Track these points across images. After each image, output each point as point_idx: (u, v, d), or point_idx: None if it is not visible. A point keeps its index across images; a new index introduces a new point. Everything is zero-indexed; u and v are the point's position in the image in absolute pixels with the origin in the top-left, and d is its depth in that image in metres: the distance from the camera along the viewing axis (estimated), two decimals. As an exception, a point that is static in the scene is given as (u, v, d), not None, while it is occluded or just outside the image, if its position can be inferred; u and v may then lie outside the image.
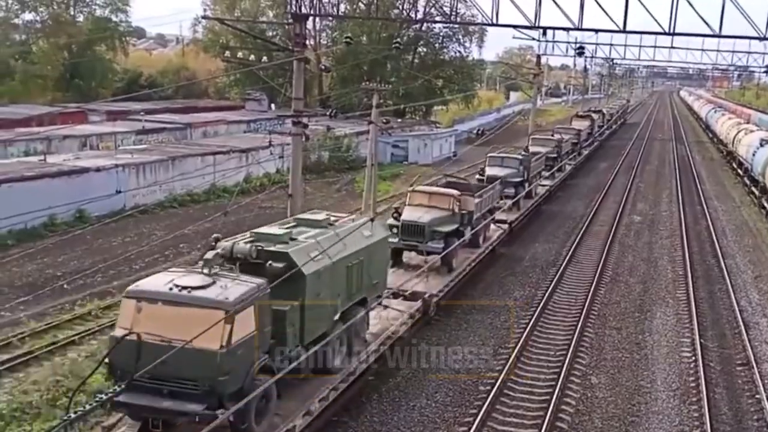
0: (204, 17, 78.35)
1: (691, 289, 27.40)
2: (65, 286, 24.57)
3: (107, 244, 31.02)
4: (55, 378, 18.29)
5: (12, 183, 32.45)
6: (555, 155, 47.62)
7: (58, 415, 15.28)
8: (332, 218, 17.39)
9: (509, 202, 34.09)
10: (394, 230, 24.14)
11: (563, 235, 36.08)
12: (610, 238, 35.10)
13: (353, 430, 16.40)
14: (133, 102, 63.24)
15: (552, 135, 50.84)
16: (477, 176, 36.76)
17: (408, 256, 25.37)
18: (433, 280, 23.42)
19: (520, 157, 38.65)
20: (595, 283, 27.64)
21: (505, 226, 31.77)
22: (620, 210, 42.59)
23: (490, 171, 35.94)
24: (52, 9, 72.38)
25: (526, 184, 37.98)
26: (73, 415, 10.42)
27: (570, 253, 31.94)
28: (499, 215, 31.58)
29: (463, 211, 26.04)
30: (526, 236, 34.95)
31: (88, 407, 11.91)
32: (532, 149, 42.49)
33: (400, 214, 24.97)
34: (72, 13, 74.01)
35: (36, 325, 21.91)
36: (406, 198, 26.93)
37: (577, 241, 34.34)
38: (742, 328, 23.59)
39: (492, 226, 30.40)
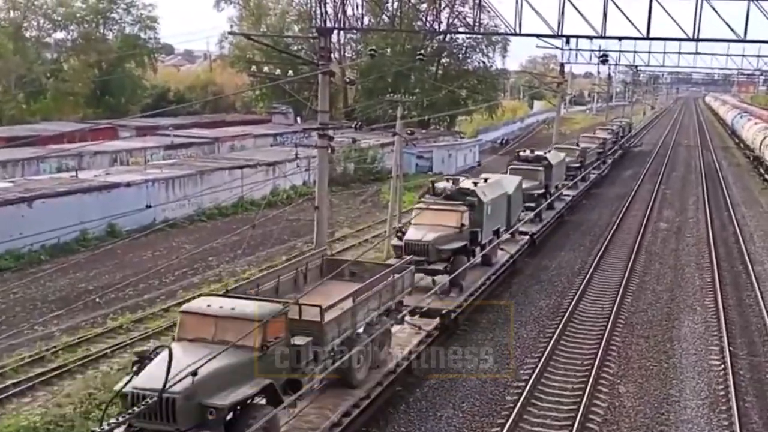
0: (231, 33, 79.21)
1: (719, 296, 27.20)
2: (97, 300, 25.06)
3: (138, 258, 31.48)
4: (87, 391, 18.64)
5: (45, 199, 33.13)
6: (542, 190, 34.78)
7: (91, 427, 15.43)
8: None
9: (441, 282, 21.46)
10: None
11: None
12: (636, 248, 34.88)
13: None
14: (162, 117, 64.26)
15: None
16: (395, 240, 23.48)
17: None
18: None
19: (465, 203, 24.02)
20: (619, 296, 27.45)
21: (433, 323, 20.02)
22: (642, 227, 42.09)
23: (413, 233, 22.44)
24: (82, 27, 73.66)
25: (477, 250, 24.21)
26: (106, 427, 10.64)
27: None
28: (429, 299, 20.18)
29: (298, 342, 13.84)
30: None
31: (120, 419, 12.11)
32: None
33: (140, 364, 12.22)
34: (102, 31, 75.25)
35: (69, 338, 22.30)
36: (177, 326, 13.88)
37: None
38: (772, 335, 23.40)
39: (401, 329, 19.11)
